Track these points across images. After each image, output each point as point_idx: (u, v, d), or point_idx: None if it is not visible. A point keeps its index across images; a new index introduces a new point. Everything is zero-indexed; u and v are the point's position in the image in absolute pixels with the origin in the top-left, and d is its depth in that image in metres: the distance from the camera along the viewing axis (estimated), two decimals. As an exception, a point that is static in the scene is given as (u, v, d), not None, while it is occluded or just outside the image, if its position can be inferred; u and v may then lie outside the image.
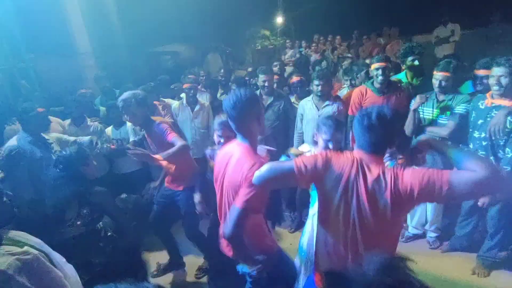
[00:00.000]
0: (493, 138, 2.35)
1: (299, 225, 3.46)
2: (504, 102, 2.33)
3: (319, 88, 3.17)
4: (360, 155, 1.43)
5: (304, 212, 3.45)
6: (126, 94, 2.58)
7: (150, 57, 8.98)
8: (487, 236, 2.67)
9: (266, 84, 3.44)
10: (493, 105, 2.39)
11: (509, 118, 2.27)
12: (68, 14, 6.20)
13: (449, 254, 2.96)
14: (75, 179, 2.03)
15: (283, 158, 2.28)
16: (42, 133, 2.94)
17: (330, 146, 2.15)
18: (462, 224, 2.88)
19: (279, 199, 3.59)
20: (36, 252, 1.31)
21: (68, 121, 3.56)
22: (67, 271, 1.47)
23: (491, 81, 2.36)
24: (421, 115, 2.83)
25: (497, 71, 2.31)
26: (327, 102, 3.23)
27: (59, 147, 2.92)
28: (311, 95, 3.36)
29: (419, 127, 2.84)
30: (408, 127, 2.87)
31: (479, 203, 2.47)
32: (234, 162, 1.65)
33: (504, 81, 2.28)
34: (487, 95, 2.47)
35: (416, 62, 3.23)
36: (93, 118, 3.71)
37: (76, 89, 4.57)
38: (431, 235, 3.08)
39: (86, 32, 6.38)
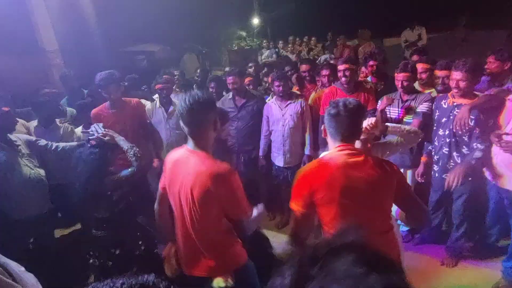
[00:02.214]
0: (458, 133, 2.48)
1: (288, 222, 3.61)
2: (465, 101, 2.47)
3: (280, 88, 3.25)
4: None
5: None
6: (103, 73, 2.95)
7: (123, 56, 8.71)
8: (453, 228, 2.81)
9: (234, 86, 3.45)
10: (455, 104, 2.53)
11: (472, 115, 2.40)
12: (33, 8, 5.86)
13: (420, 246, 3.08)
14: (104, 161, 2.17)
15: None
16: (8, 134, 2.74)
17: None
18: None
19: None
20: None
21: (34, 123, 3.37)
22: (27, 281, 1.33)
23: (451, 83, 2.50)
24: (388, 115, 2.94)
25: (455, 75, 2.44)
26: (289, 101, 3.30)
27: (28, 150, 2.75)
28: (273, 97, 3.42)
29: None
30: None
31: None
32: (192, 172, 1.57)
33: (462, 84, 2.42)
34: (449, 94, 2.60)
35: (369, 79, 3.37)
36: (62, 119, 3.54)
37: (42, 89, 4.33)
38: (403, 229, 3.20)
39: (52, 29, 6.06)
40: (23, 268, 1.37)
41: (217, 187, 1.54)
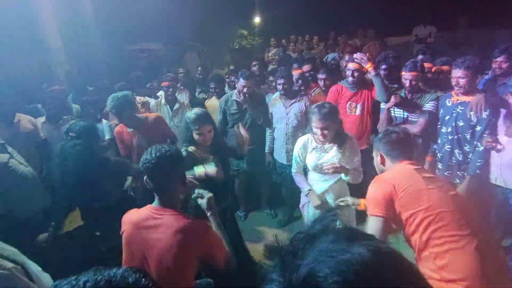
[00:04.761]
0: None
1: (289, 220, 3.65)
2: (469, 99, 2.50)
3: (282, 86, 3.22)
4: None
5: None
6: (116, 98, 2.62)
7: (126, 54, 8.71)
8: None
9: (245, 90, 3.19)
10: (459, 101, 2.56)
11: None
12: (37, 7, 5.87)
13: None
14: (90, 150, 2.07)
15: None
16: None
17: (318, 132, 2.23)
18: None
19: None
20: (11, 265, 1.16)
21: (41, 119, 3.40)
22: (44, 281, 1.33)
23: (452, 81, 2.54)
24: (392, 114, 2.95)
25: (455, 73, 2.49)
26: (293, 100, 3.29)
27: (13, 148, 2.71)
28: (277, 95, 3.40)
29: (392, 125, 2.95)
30: (381, 125, 2.97)
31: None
32: (168, 234, 1.40)
33: (462, 82, 2.46)
34: (453, 93, 2.63)
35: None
36: (68, 116, 3.57)
37: (47, 86, 4.36)
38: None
39: (56, 27, 6.07)
40: (40, 268, 1.36)
41: (197, 243, 1.44)
